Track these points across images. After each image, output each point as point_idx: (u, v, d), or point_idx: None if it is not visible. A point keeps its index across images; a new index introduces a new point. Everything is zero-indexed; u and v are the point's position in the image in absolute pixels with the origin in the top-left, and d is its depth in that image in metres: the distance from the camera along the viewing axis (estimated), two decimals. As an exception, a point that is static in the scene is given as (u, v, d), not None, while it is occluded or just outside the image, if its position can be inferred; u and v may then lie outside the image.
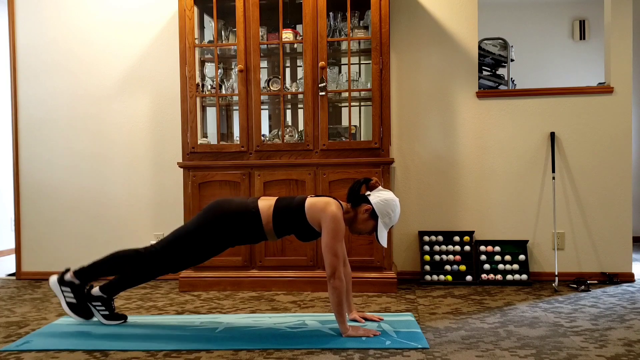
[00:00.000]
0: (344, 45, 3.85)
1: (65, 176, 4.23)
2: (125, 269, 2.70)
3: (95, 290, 2.75)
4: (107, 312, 2.79)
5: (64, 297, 2.69)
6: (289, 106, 4.08)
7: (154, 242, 4.05)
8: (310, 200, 2.60)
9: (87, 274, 2.71)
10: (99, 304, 2.76)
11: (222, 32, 3.85)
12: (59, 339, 2.58)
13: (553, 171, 3.86)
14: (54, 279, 2.72)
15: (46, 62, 4.25)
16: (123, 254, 2.70)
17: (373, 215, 2.57)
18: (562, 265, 3.85)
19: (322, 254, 3.54)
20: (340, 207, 2.58)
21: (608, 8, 3.89)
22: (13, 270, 4.44)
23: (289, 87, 3.87)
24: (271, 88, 3.75)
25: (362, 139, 3.89)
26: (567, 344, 2.41)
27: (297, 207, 2.58)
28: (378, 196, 2.58)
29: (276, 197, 2.68)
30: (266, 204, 2.63)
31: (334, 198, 2.64)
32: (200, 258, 2.69)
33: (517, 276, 3.77)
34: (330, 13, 3.69)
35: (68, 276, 2.71)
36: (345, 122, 3.94)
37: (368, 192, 2.62)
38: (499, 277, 3.78)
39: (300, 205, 2.58)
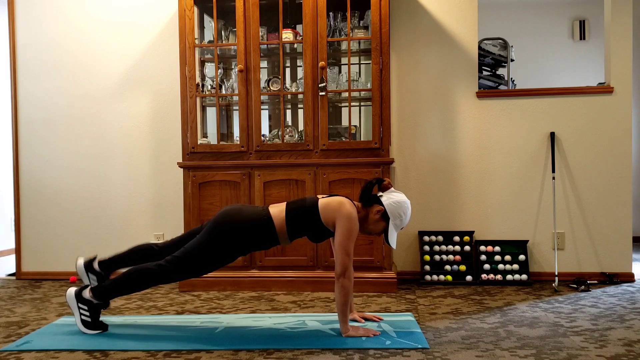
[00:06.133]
0: (344, 45, 3.85)
1: (65, 176, 4.23)
2: (142, 286, 2.67)
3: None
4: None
5: (80, 314, 2.66)
6: (289, 106, 4.08)
7: (153, 242, 4.10)
8: (323, 201, 2.58)
9: (105, 292, 2.67)
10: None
11: (222, 32, 3.85)
12: (59, 339, 2.58)
13: (553, 171, 3.86)
14: (71, 293, 2.67)
15: (46, 62, 4.25)
16: (139, 271, 2.64)
17: (384, 216, 2.57)
18: (562, 265, 3.85)
19: (322, 253, 3.57)
20: (353, 206, 2.58)
21: (608, 8, 3.89)
22: (13, 270, 4.44)
23: (289, 87, 3.87)
24: (271, 88, 3.75)
25: (362, 139, 3.89)
26: (567, 344, 2.41)
27: (311, 208, 2.57)
28: (390, 197, 2.58)
29: (285, 202, 2.66)
30: (277, 209, 2.61)
31: (346, 197, 2.63)
32: (213, 268, 2.65)
33: (517, 276, 3.77)
34: (330, 13, 3.68)
35: (87, 294, 2.66)
36: (345, 122, 3.94)
37: (380, 193, 2.62)
38: (499, 277, 3.78)
39: (314, 206, 2.57)
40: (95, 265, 2.79)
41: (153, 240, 4.14)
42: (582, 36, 6.07)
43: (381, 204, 2.57)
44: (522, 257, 3.83)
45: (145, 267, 2.64)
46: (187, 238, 2.74)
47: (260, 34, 3.64)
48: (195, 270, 2.64)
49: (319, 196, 2.65)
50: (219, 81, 3.80)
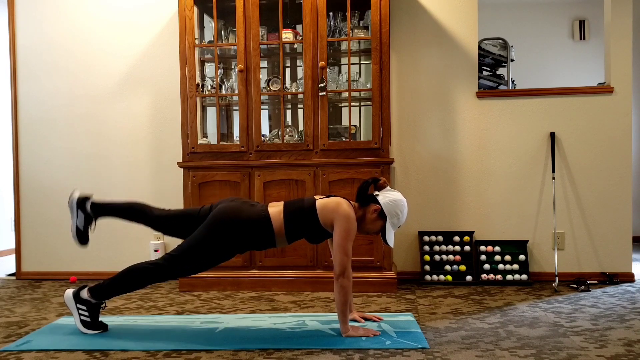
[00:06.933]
0: (344, 45, 3.85)
1: (65, 176, 4.23)
2: (139, 284, 2.66)
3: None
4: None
5: (79, 315, 2.66)
6: (289, 106, 4.08)
7: (154, 242, 4.10)
8: (321, 202, 2.58)
9: (103, 292, 2.66)
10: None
11: (222, 32, 3.85)
12: (59, 339, 2.58)
13: (553, 171, 3.86)
14: (69, 294, 2.67)
15: (46, 62, 4.25)
16: (135, 270, 2.62)
17: (381, 215, 2.58)
18: (562, 265, 3.85)
19: (322, 253, 3.57)
20: (351, 206, 2.58)
21: (608, 8, 3.89)
22: (13, 270, 4.44)
23: (289, 87, 3.87)
24: (271, 88, 3.75)
25: (362, 139, 3.89)
26: (567, 344, 2.41)
27: (309, 210, 2.56)
28: (386, 196, 2.59)
29: (282, 202, 2.65)
30: (275, 210, 2.60)
31: (343, 197, 2.64)
32: (210, 266, 2.64)
33: (517, 276, 3.77)
34: (330, 13, 3.68)
35: (85, 294, 2.66)
36: (345, 122, 3.94)
37: (376, 192, 2.63)
38: (499, 277, 3.78)
39: (312, 208, 2.56)
40: (88, 205, 2.76)
41: (153, 240, 4.15)
42: (582, 36, 6.07)
43: (378, 203, 2.58)
44: (522, 257, 3.82)
45: (141, 266, 2.63)
46: (182, 217, 2.72)
47: (260, 34, 3.64)
48: (191, 268, 2.63)
49: (316, 197, 2.65)
50: (219, 81, 3.80)
